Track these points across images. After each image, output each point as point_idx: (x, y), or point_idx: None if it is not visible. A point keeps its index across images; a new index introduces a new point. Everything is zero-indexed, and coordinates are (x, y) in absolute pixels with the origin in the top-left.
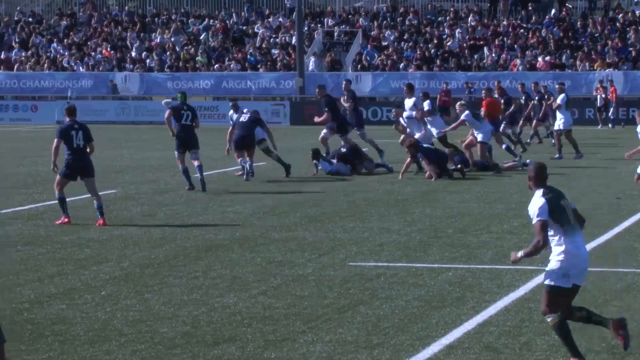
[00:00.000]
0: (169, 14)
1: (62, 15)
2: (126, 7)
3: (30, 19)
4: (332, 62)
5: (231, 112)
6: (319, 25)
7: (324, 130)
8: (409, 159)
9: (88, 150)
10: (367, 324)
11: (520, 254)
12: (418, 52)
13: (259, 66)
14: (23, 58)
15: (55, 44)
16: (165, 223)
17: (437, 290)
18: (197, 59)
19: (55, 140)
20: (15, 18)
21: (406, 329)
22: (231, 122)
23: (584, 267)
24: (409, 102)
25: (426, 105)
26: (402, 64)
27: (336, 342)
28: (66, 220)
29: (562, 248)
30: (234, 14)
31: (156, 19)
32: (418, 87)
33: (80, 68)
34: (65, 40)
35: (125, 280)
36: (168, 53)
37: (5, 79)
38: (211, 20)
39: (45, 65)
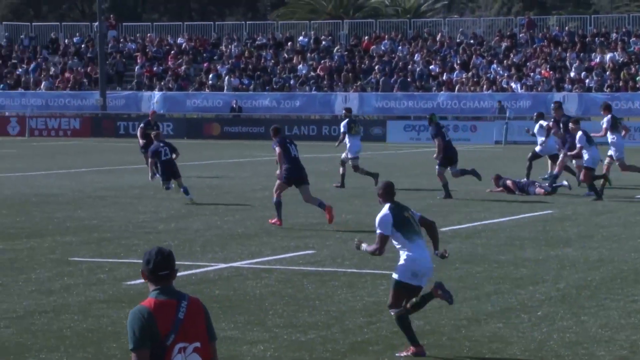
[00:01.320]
0: (609, 33)
1: (503, 37)
2: (566, 28)
3: (471, 41)
4: None
5: None
6: None
7: None
8: None
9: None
10: None
11: (363, 246)
12: None
13: None
14: (464, 79)
15: (495, 65)
16: (602, 245)
17: None
18: (636, 78)
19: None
20: (457, 40)
21: None
22: None
23: (429, 267)
24: None
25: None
26: None
27: None
28: (278, 222)
29: (408, 253)
30: None
31: (596, 38)
32: None
33: (519, 88)
34: (505, 61)
35: (562, 301)
36: (608, 73)
37: (446, 100)
38: None
39: (485, 86)
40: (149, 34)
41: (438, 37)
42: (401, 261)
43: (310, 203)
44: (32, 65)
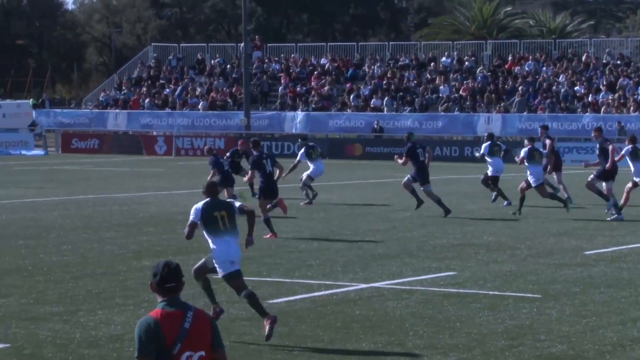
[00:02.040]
0: None
1: None
2: None
3: (618, 62)
4: None
5: None
6: None
7: None
8: None
9: None
10: None
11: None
12: None
13: None
14: (610, 100)
15: None
16: None
17: None
18: None
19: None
20: (604, 61)
21: None
22: None
23: (237, 255)
24: None
25: None
26: None
27: None
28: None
29: (213, 247)
30: None
31: None
32: None
33: None
34: None
35: None
36: None
37: (592, 121)
38: None
39: (632, 107)
40: (292, 55)
41: (584, 58)
42: (214, 255)
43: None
44: (179, 86)
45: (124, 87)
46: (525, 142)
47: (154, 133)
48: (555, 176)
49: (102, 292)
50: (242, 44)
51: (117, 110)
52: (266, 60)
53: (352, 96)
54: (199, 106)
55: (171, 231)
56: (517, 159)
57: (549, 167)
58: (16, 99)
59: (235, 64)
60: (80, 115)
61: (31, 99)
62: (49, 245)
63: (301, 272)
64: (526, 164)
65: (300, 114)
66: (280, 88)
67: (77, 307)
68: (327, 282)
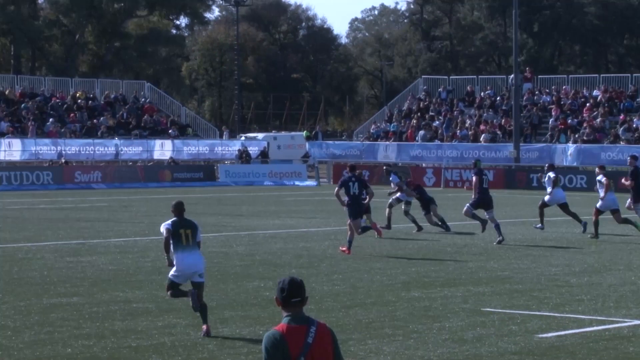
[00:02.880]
0: None
1: None
2: None
3: None
4: None
5: None
6: None
7: None
8: None
9: None
10: None
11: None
12: None
13: None
14: None
15: None
16: None
17: None
18: None
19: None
20: None
21: None
22: None
23: (192, 271)
24: None
25: None
26: None
27: None
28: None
29: (175, 259)
30: None
31: None
32: None
33: None
34: None
35: None
36: None
37: None
38: None
39: None
40: (564, 87)
41: None
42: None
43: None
44: (447, 118)
45: (394, 120)
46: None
47: (423, 165)
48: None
49: (372, 322)
50: (512, 76)
51: (388, 142)
52: (537, 92)
53: (621, 129)
54: (481, 138)
55: (439, 263)
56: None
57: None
58: (290, 131)
59: (506, 96)
60: (352, 147)
61: (305, 131)
62: (321, 275)
63: (572, 307)
64: None
65: (571, 146)
66: (550, 120)
67: (347, 336)
68: (599, 318)
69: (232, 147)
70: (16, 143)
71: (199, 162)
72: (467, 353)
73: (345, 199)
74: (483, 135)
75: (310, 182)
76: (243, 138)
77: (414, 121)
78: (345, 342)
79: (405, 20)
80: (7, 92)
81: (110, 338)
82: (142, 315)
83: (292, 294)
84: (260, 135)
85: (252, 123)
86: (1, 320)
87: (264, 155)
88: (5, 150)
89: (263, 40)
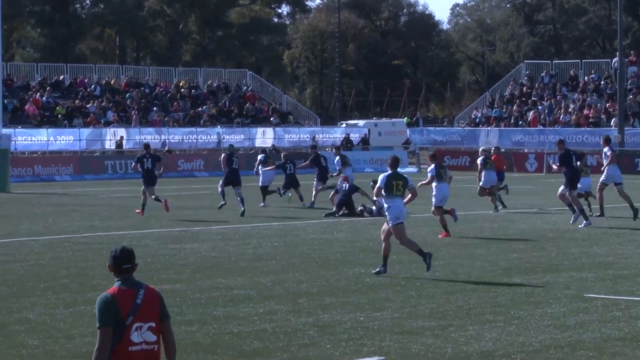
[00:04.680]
0: None
1: None
2: None
3: None
4: None
5: None
6: None
7: None
8: None
9: None
10: None
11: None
12: None
13: None
14: None
15: None
16: None
17: None
18: None
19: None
20: None
21: None
22: None
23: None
24: None
25: None
26: None
27: None
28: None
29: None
30: None
31: None
32: None
33: None
34: None
35: None
36: None
37: None
38: None
39: None
40: None
41: None
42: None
43: None
44: (549, 103)
45: (496, 105)
46: None
47: (525, 150)
48: None
49: (473, 308)
50: (617, 60)
51: (489, 128)
52: None
53: None
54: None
55: (541, 248)
56: None
57: None
58: (391, 117)
59: (610, 80)
60: (453, 133)
61: (406, 118)
62: (421, 261)
63: None
64: None
65: None
66: None
67: (448, 322)
68: None
69: (333, 134)
70: (121, 132)
71: (301, 149)
72: (570, 339)
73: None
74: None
75: (411, 169)
76: (344, 125)
77: (516, 106)
78: (446, 328)
79: (508, 5)
80: (112, 82)
81: (212, 324)
82: (244, 302)
83: (124, 261)
84: (361, 122)
85: (353, 110)
86: None
87: (364, 142)
88: (110, 139)
89: (364, 27)
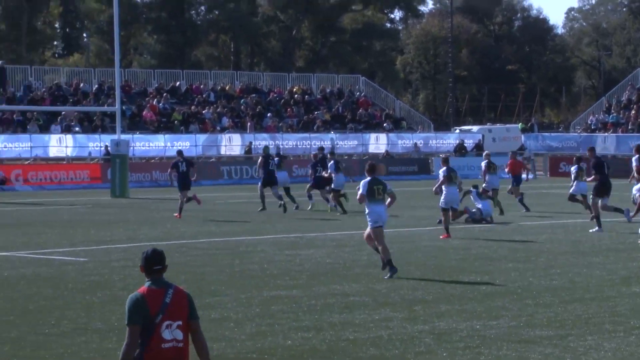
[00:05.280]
0: None
1: None
2: None
3: None
4: None
5: None
6: None
7: None
8: None
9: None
10: None
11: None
12: None
13: None
14: None
15: None
16: None
17: None
18: None
19: None
20: None
21: None
22: None
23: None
24: None
25: None
26: None
27: None
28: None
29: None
30: None
31: None
32: None
33: None
34: None
35: None
36: None
37: None
38: None
39: None
40: None
41: None
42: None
43: None
44: None
45: (612, 111)
46: None
47: None
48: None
49: (592, 318)
50: None
51: (605, 134)
52: None
53: None
54: None
55: None
56: None
57: None
58: (505, 123)
59: None
60: (569, 139)
61: (520, 123)
62: (538, 269)
63: None
64: None
65: None
66: None
67: (566, 331)
68: None
69: (446, 140)
70: (236, 138)
71: (413, 155)
72: None
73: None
74: None
75: (526, 175)
76: (457, 131)
77: (633, 112)
78: (564, 337)
79: (624, 9)
80: (227, 88)
81: (328, 330)
82: (359, 308)
83: (155, 262)
84: (474, 128)
85: (467, 115)
86: (224, 312)
87: (478, 147)
88: (225, 145)
89: (477, 32)
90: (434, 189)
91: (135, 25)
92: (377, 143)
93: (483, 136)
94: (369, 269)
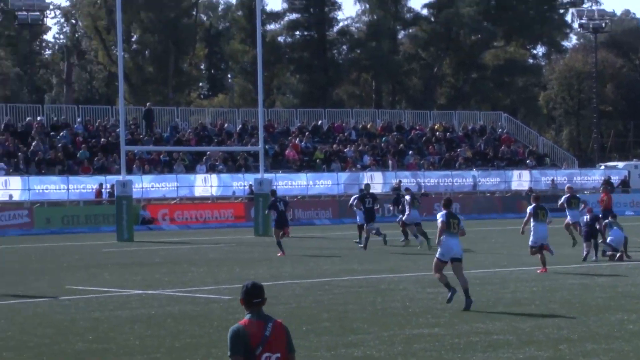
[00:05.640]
0: None
1: None
2: None
3: None
4: None
5: None
6: None
7: None
8: None
9: None
10: None
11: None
12: None
13: None
14: None
15: None
16: None
17: None
18: None
19: None
20: None
21: None
22: None
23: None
24: None
25: None
26: None
27: None
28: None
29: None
30: None
31: None
32: None
33: None
34: None
35: None
36: None
37: None
38: None
39: None
40: None
41: None
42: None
43: None
44: None
45: None
46: None
47: None
48: None
49: None
50: None
51: None
52: None
53: None
54: None
55: None
56: None
57: None
58: None
59: None
60: None
61: None
62: None
63: None
64: None
65: None
66: None
67: None
68: None
69: (591, 176)
70: (378, 176)
71: (558, 192)
72: None
73: None
74: None
75: None
76: (603, 167)
77: None
78: None
79: None
80: (369, 126)
81: None
82: (503, 347)
83: (254, 296)
84: (620, 164)
85: (612, 151)
86: (367, 351)
87: (624, 184)
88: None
89: (623, 66)
90: (521, 228)
91: (278, 66)
92: (520, 180)
93: (629, 172)
94: (512, 307)
